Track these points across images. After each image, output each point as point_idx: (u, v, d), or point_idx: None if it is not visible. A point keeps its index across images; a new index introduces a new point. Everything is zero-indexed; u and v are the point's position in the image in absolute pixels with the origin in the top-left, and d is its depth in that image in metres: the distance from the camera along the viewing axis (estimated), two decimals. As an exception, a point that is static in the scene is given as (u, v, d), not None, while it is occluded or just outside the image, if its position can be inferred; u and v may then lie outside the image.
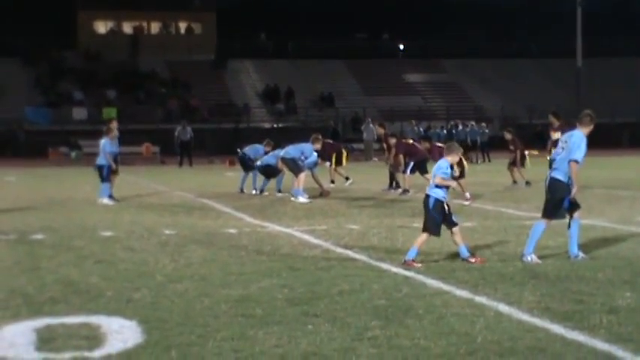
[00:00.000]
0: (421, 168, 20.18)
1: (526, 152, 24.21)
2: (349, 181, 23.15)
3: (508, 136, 24.40)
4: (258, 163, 20.60)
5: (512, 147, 23.62)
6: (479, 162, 39.50)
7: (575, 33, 58.31)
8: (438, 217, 10.01)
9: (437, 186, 10.10)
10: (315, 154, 20.18)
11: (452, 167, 10.46)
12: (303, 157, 19.54)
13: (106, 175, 18.69)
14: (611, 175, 27.10)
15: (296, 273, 9.41)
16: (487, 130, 41.45)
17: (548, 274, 9.15)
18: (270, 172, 20.43)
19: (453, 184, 10.55)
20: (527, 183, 22.45)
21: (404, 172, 20.43)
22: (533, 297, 8.00)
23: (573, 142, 10.11)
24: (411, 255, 9.92)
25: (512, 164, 23.53)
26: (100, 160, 18.84)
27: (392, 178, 21.70)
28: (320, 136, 21.02)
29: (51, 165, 40.92)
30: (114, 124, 19.41)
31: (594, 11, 57.82)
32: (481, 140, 40.33)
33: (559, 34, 63.83)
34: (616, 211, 15.86)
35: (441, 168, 10.20)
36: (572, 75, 61.05)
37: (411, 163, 20.18)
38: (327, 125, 49.87)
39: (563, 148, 10.27)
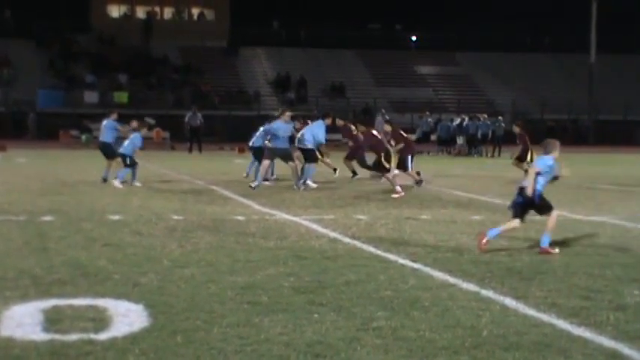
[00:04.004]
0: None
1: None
2: (336, 174, 21.74)
3: (517, 129, 24.34)
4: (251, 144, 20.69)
5: (518, 141, 23.51)
6: (488, 155, 39.44)
7: (589, 28, 58.06)
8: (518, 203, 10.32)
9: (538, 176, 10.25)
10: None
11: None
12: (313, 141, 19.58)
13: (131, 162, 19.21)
14: (622, 172, 27.03)
15: (303, 262, 9.42)
16: (503, 124, 41.24)
17: (556, 270, 9.13)
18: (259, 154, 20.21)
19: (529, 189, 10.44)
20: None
21: (405, 168, 19.67)
22: (540, 292, 7.98)
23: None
24: (545, 242, 10.15)
25: (518, 159, 23.41)
26: (126, 150, 19.25)
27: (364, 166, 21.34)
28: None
29: (62, 147, 41.02)
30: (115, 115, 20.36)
31: (609, 6, 57.52)
32: (497, 133, 40.11)
33: (573, 29, 63.56)
34: (626, 208, 15.81)
35: (545, 162, 10.32)
36: (585, 70, 60.86)
37: (409, 157, 19.69)
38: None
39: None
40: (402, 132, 20.41)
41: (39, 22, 61.18)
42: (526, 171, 22.51)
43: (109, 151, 19.93)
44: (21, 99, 53.77)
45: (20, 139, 45.95)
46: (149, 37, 64.68)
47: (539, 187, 10.34)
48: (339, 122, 21.71)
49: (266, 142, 19.39)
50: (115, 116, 20.33)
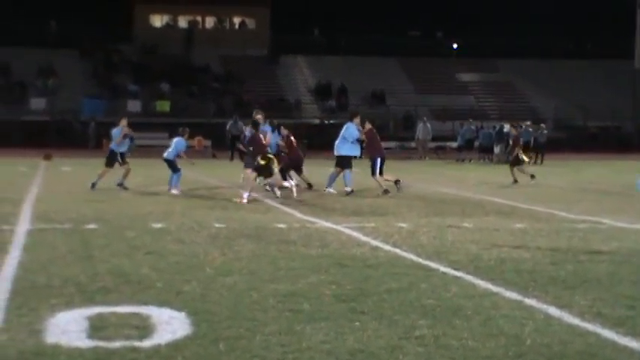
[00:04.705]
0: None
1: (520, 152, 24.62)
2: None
3: (514, 131, 25.05)
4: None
5: (511, 143, 24.19)
6: (530, 163, 39.10)
7: (632, 34, 57.39)
8: None
9: None
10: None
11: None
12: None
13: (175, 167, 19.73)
14: None
15: (344, 270, 9.42)
16: (545, 131, 40.89)
17: (601, 279, 9.03)
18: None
19: None
20: (532, 176, 23.45)
21: (373, 173, 19.96)
22: (585, 301, 7.90)
23: None
24: None
25: (513, 163, 23.90)
26: (169, 155, 19.79)
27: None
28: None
29: (105, 156, 41.39)
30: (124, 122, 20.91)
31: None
32: (539, 141, 39.77)
33: (615, 35, 62.85)
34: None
35: None
36: (627, 77, 60.13)
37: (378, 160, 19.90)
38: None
39: None
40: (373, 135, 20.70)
41: (83, 33, 62.00)
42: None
43: (109, 158, 20.73)
44: (65, 108, 54.47)
45: (64, 148, 46.48)
46: (191, 46, 65.18)
47: None
48: (284, 131, 21.64)
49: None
50: (124, 123, 20.84)
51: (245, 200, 17.17)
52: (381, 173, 20.00)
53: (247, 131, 20.62)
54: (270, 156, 18.08)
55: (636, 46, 58.34)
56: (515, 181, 23.54)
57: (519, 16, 70.59)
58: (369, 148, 20.23)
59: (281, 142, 20.65)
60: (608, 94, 61.79)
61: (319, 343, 6.35)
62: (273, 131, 20.42)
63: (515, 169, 23.96)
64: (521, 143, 25.15)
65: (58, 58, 59.76)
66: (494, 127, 42.83)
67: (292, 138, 21.05)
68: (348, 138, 19.94)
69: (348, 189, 19.38)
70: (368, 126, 20.39)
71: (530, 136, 39.79)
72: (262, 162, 17.77)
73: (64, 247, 10.88)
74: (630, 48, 58.81)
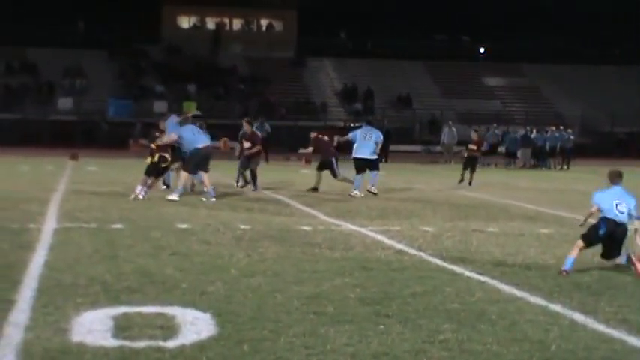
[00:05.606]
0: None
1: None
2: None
3: (475, 136, 25.51)
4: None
5: (474, 147, 24.61)
6: (556, 168, 38.89)
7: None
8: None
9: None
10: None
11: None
12: None
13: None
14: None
15: (369, 273, 9.41)
16: (572, 137, 40.65)
17: (626, 285, 8.97)
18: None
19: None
20: (462, 182, 23.82)
21: (334, 175, 20.54)
22: (610, 307, 7.85)
23: None
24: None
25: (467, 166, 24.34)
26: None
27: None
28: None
29: (131, 156, 41.65)
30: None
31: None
32: (566, 146, 39.55)
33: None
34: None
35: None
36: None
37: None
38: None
39: None
40: (323, 136, 21.15)
41: (111, 34, 62.43)
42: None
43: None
44: (92, 109, 54.88)
45: (91, 148, 46.82)
46: (217, 48, 65.40)
47: None
48: (247, 128, 21.79)
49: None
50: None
51: (176, 198, 17.28)
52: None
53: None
54: (165, 155, 17.92)
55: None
56: (462, 180, 23.98)
57: (547, 21, 70.27)
58: (326, 153, 20.81)
59: (246, 144, 20.82)
60: (636, 100, 61.31)
61: (343, 345, 6.35)
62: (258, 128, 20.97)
63: (467, 171, 24.10)
64: (482, 148, 26.38)
65: (86, 58, 60.22)
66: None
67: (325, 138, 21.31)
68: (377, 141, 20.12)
69: (374, 189, 19.73)
70: (314, 134, 21.41)
71: (556, 142, 39.60)
72: (151, 160, 17.87)
73: (90, 247, 10.96)
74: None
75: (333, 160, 20.60)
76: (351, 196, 19.37)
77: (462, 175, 24.18)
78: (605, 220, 9.76)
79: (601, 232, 9.75)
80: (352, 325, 6.96)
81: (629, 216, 9.85)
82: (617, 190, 9.98)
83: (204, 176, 18.14)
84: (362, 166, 20.00)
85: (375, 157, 20.16)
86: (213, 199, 17.58)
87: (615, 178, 10.11)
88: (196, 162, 17.93)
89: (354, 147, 20.26)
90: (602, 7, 69.09)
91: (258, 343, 6.40)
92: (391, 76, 64.51)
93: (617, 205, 9.73)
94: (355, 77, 63.58)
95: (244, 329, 6.77)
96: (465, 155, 25.22)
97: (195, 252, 10.69)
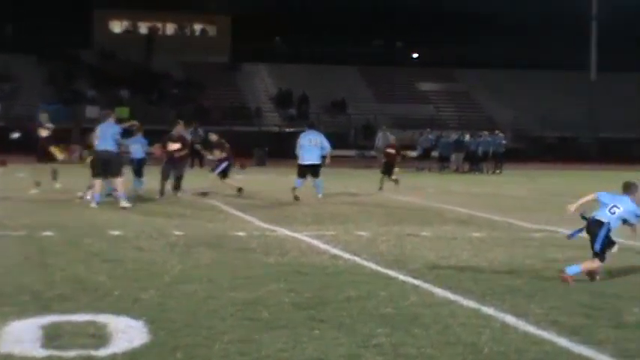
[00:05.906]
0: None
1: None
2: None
3: (392, 139, 27.09)
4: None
5: (392, 150, 25.06)
6: (489, 172, 39.42)
7: (589, 46, 58.15)
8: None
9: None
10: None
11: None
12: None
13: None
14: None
15: (303, 278, 9.40)
16: (504, 141, 41.22)
17: (557, 287, 9.12)
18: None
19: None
20: (381, 189, 23.55)
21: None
22: (541, 309, 7.97)
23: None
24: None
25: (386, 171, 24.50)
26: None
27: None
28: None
29: (65, 163, 40.94)
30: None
31: (608, 25, 57.63)
32: (498, 150, 40.07)
33: (573, 47, 63.64)
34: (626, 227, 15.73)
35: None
36: (585, 88, 60.95)
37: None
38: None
39: None
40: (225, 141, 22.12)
41: (40, 37, 61.33)
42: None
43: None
44: (21, 114, 53.80)
45: (21, 154, 45.91)
46: (151, 53, 64.80)
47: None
48: (179, 129, 21.91)
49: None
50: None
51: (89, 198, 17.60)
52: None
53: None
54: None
55: (592, 58, 59.15)
56: (381, 188, 23.96)
57: (479, 27, 71.24)
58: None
59: (175, 145, 20.91)
60: (566, 105, 62.53)
61: (278, 351, 6.33)
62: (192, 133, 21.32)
63: (386, 176, 24.24)
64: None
65: (14, 63, 59.08)
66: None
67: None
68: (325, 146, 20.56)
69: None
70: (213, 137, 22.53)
71: (489, 146, 40.15)
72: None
73: (19, 255, 10.74)
74: (587, 60, 59.61)
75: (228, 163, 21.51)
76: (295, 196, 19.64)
77: (381, 181, 24.03)
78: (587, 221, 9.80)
79: (582, 233, 9.85)
80: (287, 330, 6.95)
81: (624, 220, 9.92)
82: (624, 199, 9.96)
83: (115, 181, 17.78)
84: (306, 171, 20.08)
85: (319, 161, 20.26)
86: (94, 205, 17.25)
87: (625, 188, 10.09)
88: (97, 165, 17.64)
89: (300, 153, 20.26)
90: (531, 13, 70.37)
91: (193, 349, 6.34)
92: (326, 81, 64.70)
93: (612, 206, 9.81)
94: (290, 82, 63.59)
95: (178, 336, 6.70)
96: (384, 160, 25.31)
97: (128, 259, 10.56)
